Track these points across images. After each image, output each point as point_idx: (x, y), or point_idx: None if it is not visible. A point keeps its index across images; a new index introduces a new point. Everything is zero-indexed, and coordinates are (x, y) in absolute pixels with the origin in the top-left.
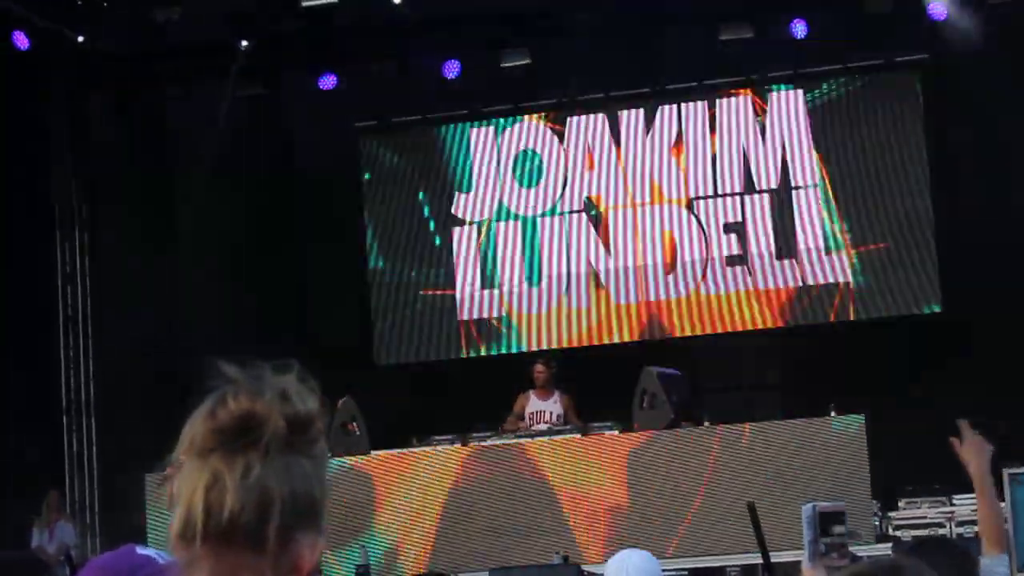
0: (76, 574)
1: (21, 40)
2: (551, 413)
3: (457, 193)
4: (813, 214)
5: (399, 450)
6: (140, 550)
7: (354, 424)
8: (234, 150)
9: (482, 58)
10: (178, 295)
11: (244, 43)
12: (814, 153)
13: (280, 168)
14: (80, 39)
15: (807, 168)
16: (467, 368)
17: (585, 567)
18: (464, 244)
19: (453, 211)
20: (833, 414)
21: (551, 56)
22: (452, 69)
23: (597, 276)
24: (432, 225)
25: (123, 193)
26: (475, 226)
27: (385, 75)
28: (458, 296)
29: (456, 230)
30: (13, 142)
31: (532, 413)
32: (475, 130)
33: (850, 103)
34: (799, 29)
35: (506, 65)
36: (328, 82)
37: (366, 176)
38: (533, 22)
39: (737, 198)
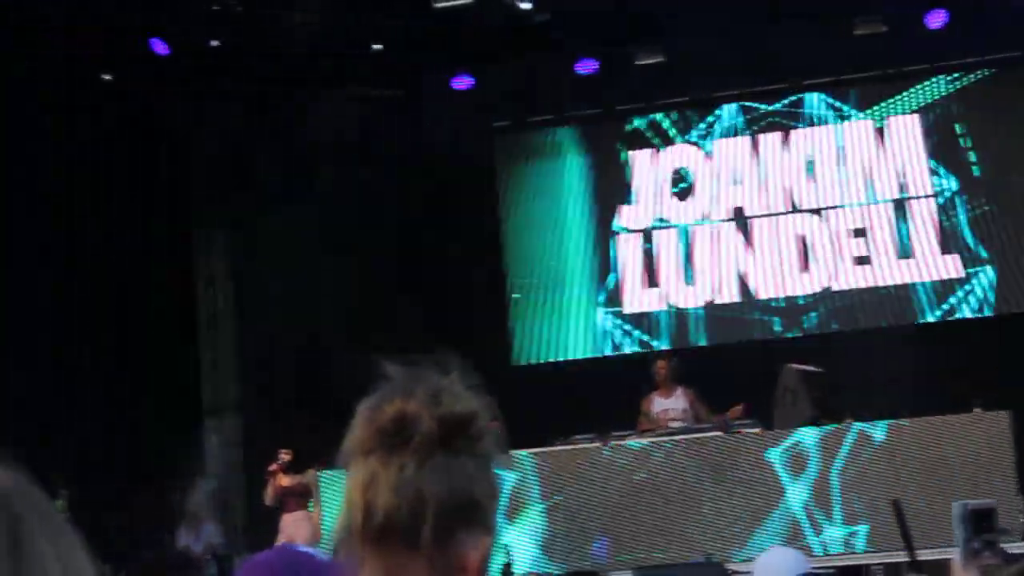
0: (226, 573)
1: (160, 47)
2: (676, 409)
3: (597, 195)
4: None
5: (539, 449)
6: (299, 548)
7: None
8: (371, 151)
9: (618, 55)
10: (317, 296)
11: (379, 45)
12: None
13: (417, 167)
14: (215, 44)
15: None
16: (604, 367)
17: (729, 565)
18: (619, 246)
19: (600, 215)
20: (977, 410)
21: (685, 53)
22: (587, 67)
23: (743, 278)
24: (568, 224)
25: (262, 195)
26: (628, 232)
27: (520, 74)
28: (601, 294)
29: (595, 230)
30: (153, 146)
31: (658, 412)
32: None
33: (988, 96)
34: (934, 21)
35: (640, 63)
36: (463, 83)
37: (503, 176)
38: (666, 20)
39: (861, 208)
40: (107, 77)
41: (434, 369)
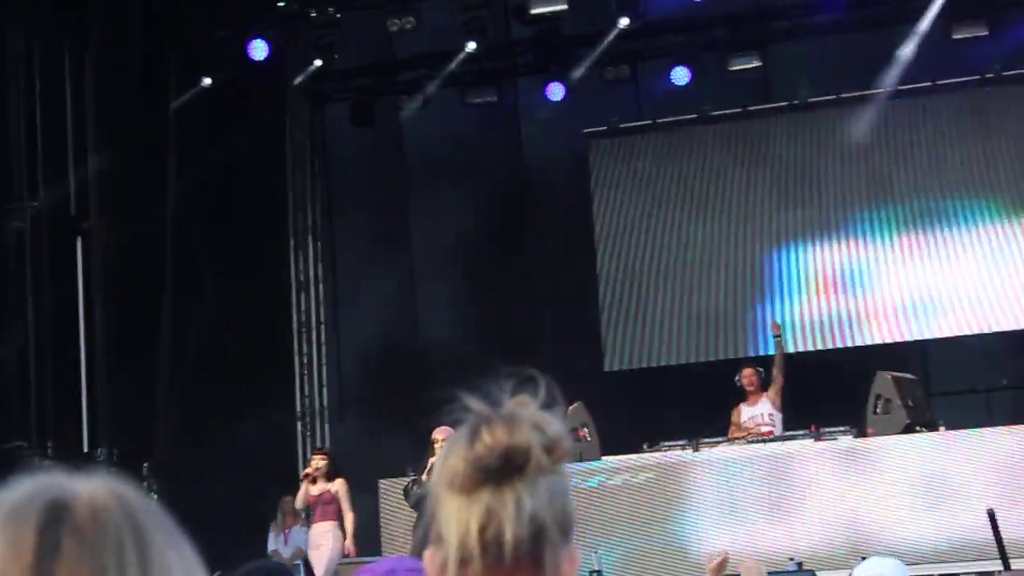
0: None
1: (259, 51)
2: (762, 414)
3: (691, 200)
4: None
5: (629, 456)
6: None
7: (584, 430)
8: (467, 156)
9: (712, 61)
10: (411, 301)
11: (473, 47)
12: None
13: (512, 173)
14: (318, 62)
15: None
16: (695, 373)
17: (821, 573)
18: (703, 251)
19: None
20: None
21: (782, 59)
22: (681, 75)
23: (836, 284)
24: (662, 229)
25: (357, 201)
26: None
27: (614, 81)
28: (693, 302)
29: (689, 236)
30: (250, 151)
31: (746, 421)
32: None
33: None
34: None
35: (735, 68)
36: (557, 89)
37: (596, 182)
38: (763, 25)
39: None
40: (207, 81)
41: (519, 384)
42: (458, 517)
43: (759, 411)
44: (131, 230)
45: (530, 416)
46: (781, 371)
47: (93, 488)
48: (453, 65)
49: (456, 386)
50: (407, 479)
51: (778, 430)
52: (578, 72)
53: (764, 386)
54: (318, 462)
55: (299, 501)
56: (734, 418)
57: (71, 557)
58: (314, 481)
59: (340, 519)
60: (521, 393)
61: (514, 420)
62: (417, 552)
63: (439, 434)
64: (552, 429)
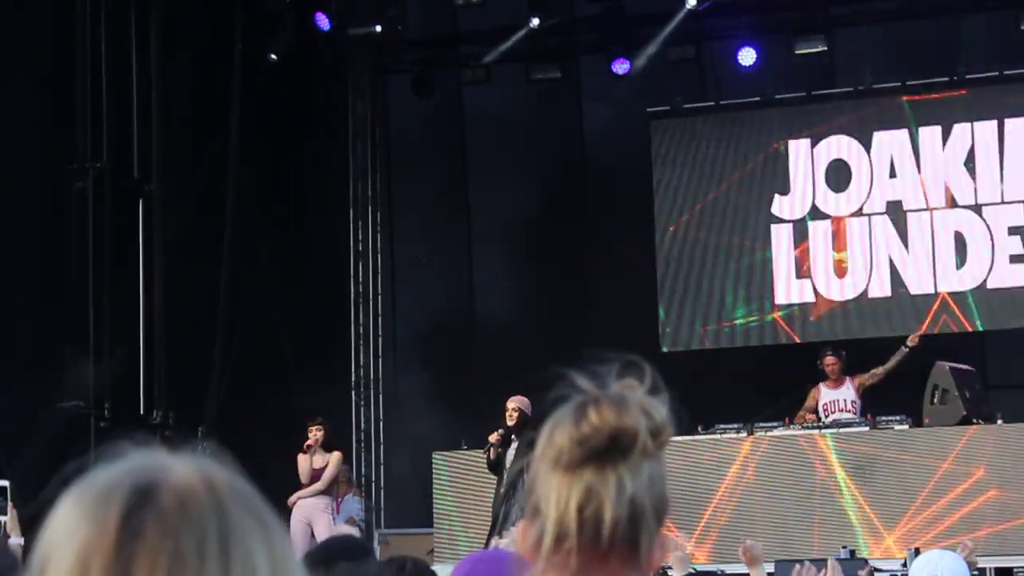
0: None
1: (323, 21)
2: (844, 400)
3: (753, 183)
4: None
5: (683, 438)
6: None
7: None
8: (528, 132)
9: (777, 44)
10: (469, 275)
11: (536, 23)
12: None
13: (572, 151)
14: (378, 28)
15: None
16: (756, 356)
17: (873, 562)
18: (773, 235)
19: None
20: None
21: (848, 43)
22: (747, 56)
23: (896, 271)
24: (721, 211)
25: (417, 173)
26: (782, 223)
27: (678, 61)
28: (754, 283)
29: (749, 219)
30: (313, 122)
31: (826, 404)
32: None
33: None
34: None
35: (801, 52)
36: (621, 67)
37: (656, 161)
38: (829, 8)
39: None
40: (273, 56)
41: (622, 369)
42: (558, 494)
43: (841, 396)
44: (192, 195)
45: (638, 400)
46: (886, 373)
47: (184, 472)
48: (516, 40)
49: (510, 361)
50: (463, 450)
51: (857, 417)
52: (643, 49)
53: (845, 370)
54: (315, 433)
55: (304, 475)
56: (810, 399)
57: (153, 541)
58: (308, 451)
59: (330, 490)
60: (625, 377)
61: (624, 402)
62: (496, 518)
63: (512, 402)
64: (659, 414)
